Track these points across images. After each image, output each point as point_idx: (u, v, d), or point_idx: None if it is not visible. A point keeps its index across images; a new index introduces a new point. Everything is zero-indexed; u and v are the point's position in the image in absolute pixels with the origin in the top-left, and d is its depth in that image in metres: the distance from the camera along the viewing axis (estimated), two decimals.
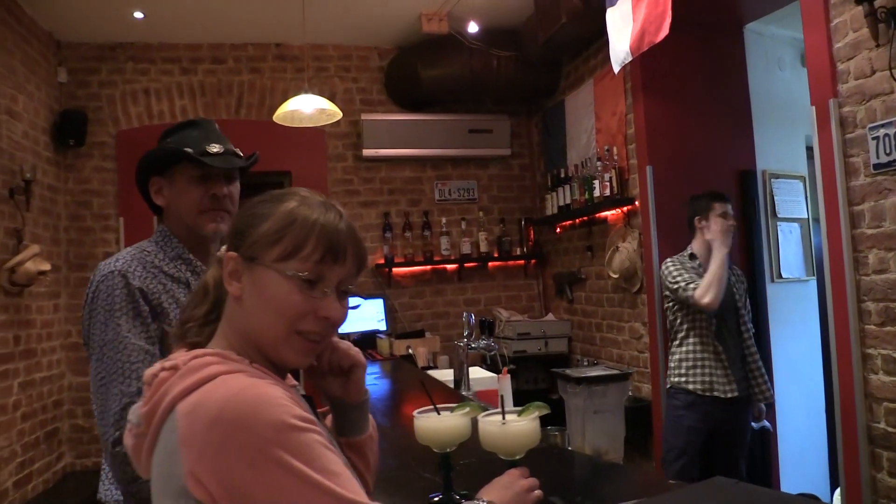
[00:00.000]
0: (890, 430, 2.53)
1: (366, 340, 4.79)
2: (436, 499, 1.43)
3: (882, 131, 2.50)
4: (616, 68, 3.60)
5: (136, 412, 1.01)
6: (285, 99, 5.12)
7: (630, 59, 3.43)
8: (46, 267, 4.09)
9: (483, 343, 3.01)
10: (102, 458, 1.51)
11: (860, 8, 2.49)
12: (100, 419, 1.41)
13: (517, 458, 1.31)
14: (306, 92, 4.03)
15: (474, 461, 1.53)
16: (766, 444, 3.80)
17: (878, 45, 2.48)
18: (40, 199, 4.39)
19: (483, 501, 1.15)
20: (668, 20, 3.10)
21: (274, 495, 0.86)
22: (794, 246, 4.35)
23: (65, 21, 4.62)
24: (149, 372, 1.01)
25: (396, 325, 5.26)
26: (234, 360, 0.98)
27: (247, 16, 4.73)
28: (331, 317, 1.01)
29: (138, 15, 4.57)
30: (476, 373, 3.14)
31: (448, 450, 1.37)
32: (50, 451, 4.48)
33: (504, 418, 1.33)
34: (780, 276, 4.26)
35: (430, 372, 3.95)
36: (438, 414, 1.37)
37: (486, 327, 3.20)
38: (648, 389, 4.10)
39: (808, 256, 4.40)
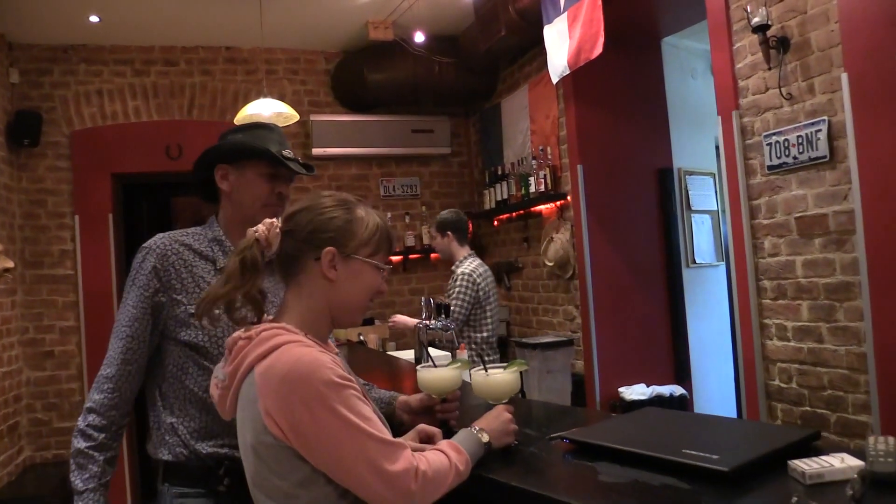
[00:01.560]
0: (783, 385, 3.05)
1: None
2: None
3: (774, 139, 3.01)
4: (555, 80, 4.02)
5: (221, 371, 1.37)
6: (236, 100, 5.42)
7: (568, 72, 3.85)
8: (10, 265, 4.22)
9: (440, 324, 3.37)
10: (150, 417, 1.73)
11: (756, 35, 2.99)
12: (107, 355, 1.68)
13: (503, 402, 1.69)
14: (264, 96, 4.31)
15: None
16: (683, 409, 4.34)
17: (769, 68, 2.98)
18: None
19: (476, 428, 1.51)
20: (601, 39, 3.52)
21: (324, 430, 1.22)
22: (706, 235, 4.91)
23: (18, 23, 4.71)
24: (230, 339, 1.37)
25: None
26: (293, 332, 1.33)
27: (198, 20, 4.93)
28: (386, 290, 1.46)
29: (94, 19, 4.72)
30: (433, 351, 3.50)
31: (445, 397, 1.74)
32: (11, 445, 4.59)
33: (487, 372, 1.71)
34: (694, 261, 4.81)
35: (390, 353, 4.30)
36: (436, 367, 1.74)
37: (443, 309, 3.57)
38: (581, 365, 4.57)
39: (719, 244, 4.96)
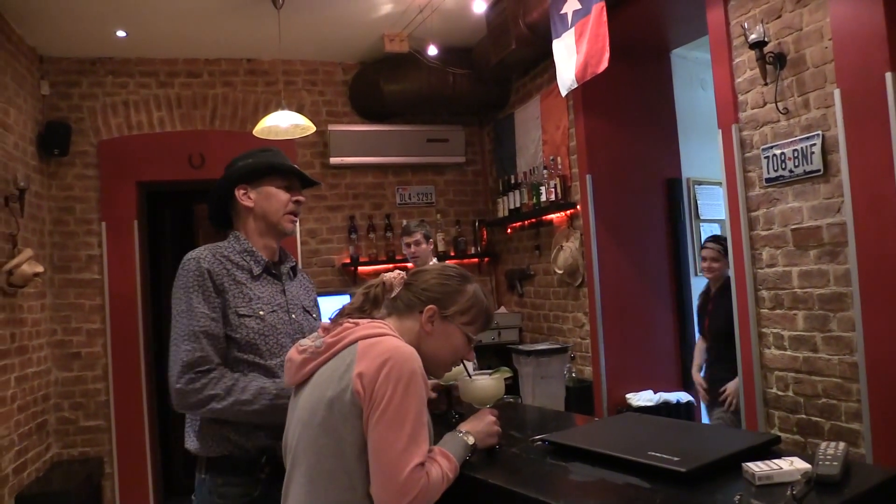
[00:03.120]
0: (780, 393, 3.12)
1: None
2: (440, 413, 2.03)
3: (771, 152, 3.08)
4: (564, 92, 4.10)
5: (312, 342, 1.59)
6: (256, 110, 5.58)
7: (576, 85, 3.93)
8: (40, 269, 4.42)
9: None
10: (188, 416, 1.89)
11: (754, 51, 3.06)
12: (170, 368, 1.80)
13: (488, 406, 1.81)
14: (283, 107, 4.46)
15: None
16: (690, 415, 4.41)
17: (766, 83, 3.06)
18: (28, 205, 4.68)
19: (461, 432, 1.63)
20: (607, 54, 3.60)
21: (394, 405, 1.41)
22: None
23: (48, 37, 4.92)
24: (324, 324, 1.62)
25: None
26: (395, 333, 1.56)
27: (220, 34, 5.10)
28: (472, 357, 1.72)
29: (121, 33, 4.91)
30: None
31: (452, 381, 1.94)
32: (40, 442, 4.78)
33: (471, 377, 1.84)
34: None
35: None
36: None
37: None
38: (590, 371, 4.65)
39: (728, 254, 5.00)
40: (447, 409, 2.01)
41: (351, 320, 1.58)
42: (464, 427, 1.64)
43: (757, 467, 1.31)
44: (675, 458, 1.37)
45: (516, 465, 1.58)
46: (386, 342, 1.49)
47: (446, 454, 1.50)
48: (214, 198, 2.03)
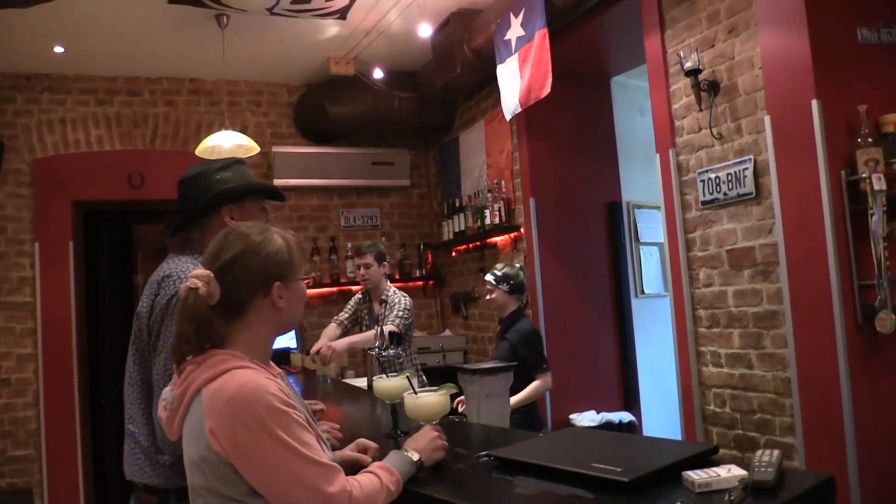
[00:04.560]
0: (717, 410, 3.20)
1: (280, 356, 5.13)
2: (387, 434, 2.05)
3: (707, 175, 3.19)
4: (508, 117, 4.18)
5: (170, 393, 1.47)
6: (199, 130, 5.51)
7: (520, 110, 4.02)
8: None
9: (392, 352, 3.48)
10: (127, 444, 1.85)
11: (689, 79, 3.18)
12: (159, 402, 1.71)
13: (434, 423, 1.80)
14: (227, 128, 4.41)
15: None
16: (631, 433, 4.47)
17: (701, 109, 3.18)
18: None
19: (407, 451, 1.62)
20: (550, 80, 3.70)
21: (263, 452, 1.31)
22: (654, 266, 5.10)
23: None
24: (176, 368, 1.46)
25: (306, 342, 5.61)
26: (240, 357, 1.43)
27: (162, 52, 5.02)
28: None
29: (58, 49, 4.79)
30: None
31: (396, 401, 1.95)
32: None
33: (416, 394, 1.83)
34: (642, 291, 4.98)
35: (345, 381, 4.38)
36: (388, 377, 1.98)
37: (395, 338, 3.67)
38: None
39: (667, 275, 5.13)
40: (392, 428, 2.01)
41: (192, 361, 1.42)
42: (408, 445, 1.63)
43: (696, 475, 1.35)
44: (618, 469, 1.40)
45: (462, 480, 1.58)
46: (227, 384, 1.35)
47: (386, 467, 1.49)
48: (196, 215, 1.96)
